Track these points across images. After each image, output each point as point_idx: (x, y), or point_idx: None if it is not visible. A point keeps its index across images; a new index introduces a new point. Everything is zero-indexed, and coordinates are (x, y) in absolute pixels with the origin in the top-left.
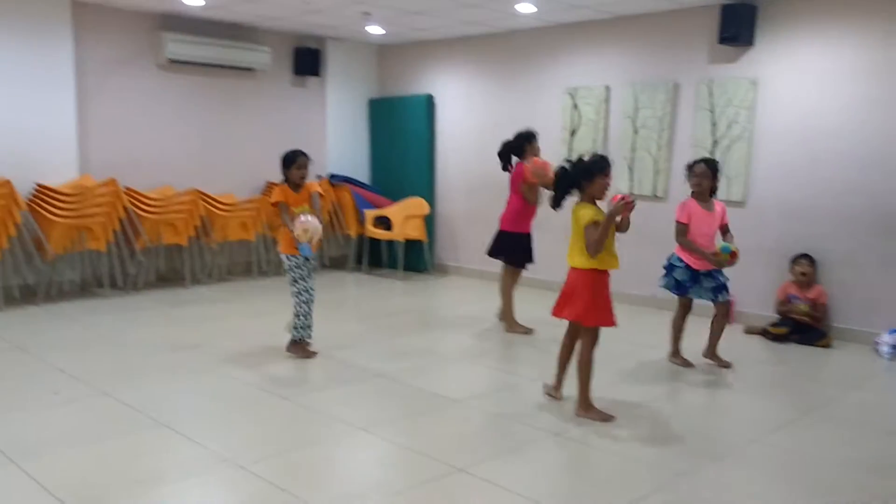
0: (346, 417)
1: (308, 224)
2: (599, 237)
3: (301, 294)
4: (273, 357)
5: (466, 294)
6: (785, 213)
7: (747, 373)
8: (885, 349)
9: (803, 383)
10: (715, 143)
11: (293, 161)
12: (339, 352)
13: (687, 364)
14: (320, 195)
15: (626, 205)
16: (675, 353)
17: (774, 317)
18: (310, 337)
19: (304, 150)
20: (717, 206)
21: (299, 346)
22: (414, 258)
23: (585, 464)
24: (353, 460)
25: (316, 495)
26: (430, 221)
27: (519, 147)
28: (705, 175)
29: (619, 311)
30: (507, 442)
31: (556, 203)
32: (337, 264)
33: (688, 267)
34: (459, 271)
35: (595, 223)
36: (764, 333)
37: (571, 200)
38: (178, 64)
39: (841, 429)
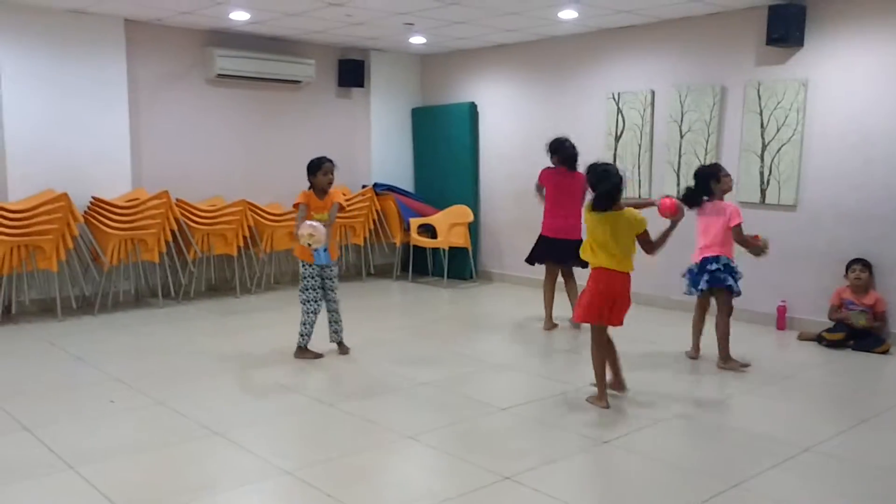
0: (393, 425)
1: (314, 229)
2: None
3: (307, 304)
4: (320, 365)
5: (511, 301)
6: (838, 216)
7: (801, 379)
8: None
9: (859, 390)
10: (764, 145)
11: (318, 167)
12: (384, 360)
13: (737, 368)
14: (341, 207)
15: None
16: (726, 359)
17: (827, 322)
18: (309, 343)
19: (350, 160)
20: None
21: (304, 351)
22: (458, 266)
23: (633, 473)
24: (400, 468)
25: (365, 503)
26: (474, 229)
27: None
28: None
29: (663, 315)
30: (554, 450)
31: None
32: (382, 272)
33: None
34: (504, 278)
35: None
36: (819, 339)
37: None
38: (226, 78)
39: None
